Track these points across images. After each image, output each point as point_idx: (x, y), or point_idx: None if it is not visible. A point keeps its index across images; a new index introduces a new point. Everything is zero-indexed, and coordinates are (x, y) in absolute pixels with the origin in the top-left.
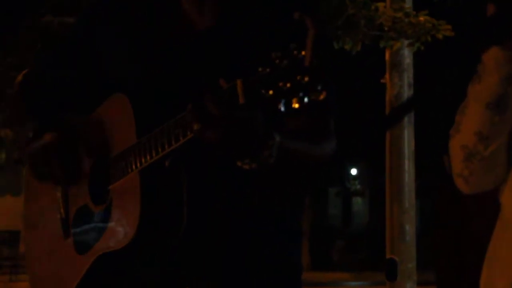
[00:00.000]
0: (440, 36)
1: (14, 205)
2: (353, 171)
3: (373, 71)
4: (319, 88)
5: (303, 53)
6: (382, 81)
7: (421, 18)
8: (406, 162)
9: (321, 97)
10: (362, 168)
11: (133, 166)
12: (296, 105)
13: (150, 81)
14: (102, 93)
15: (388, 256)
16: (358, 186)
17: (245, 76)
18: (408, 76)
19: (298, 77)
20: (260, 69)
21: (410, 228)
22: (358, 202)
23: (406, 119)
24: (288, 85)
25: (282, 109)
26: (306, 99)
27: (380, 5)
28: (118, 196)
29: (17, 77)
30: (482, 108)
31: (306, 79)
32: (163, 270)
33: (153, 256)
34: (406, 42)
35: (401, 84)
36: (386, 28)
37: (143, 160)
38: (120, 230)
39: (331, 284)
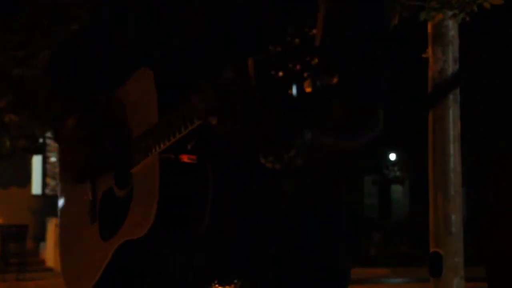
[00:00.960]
0: (487, 5)
1: (19, 198)
2: (392, 156)
3: (414, 45)
4: (330, 71)
5: (314, 31)
6: (424, 56)
7: None
8: (451, 145)
9: (334, 81)
10: (402, 152)
11: (153, 149)
12: (309, 89)
13: (171, 62)
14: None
15: (432, 249)
16: (398, 173)
17: (255, 55)
18: (453, 50)
19: (308, 58)
20: (271, 47)
21: (456, 218)
22: (397, 191)
23: (451, 97)
24: (298, 66)
25: (294, 93)
26: (318, 83)
27: None
28: (139, 180)
29: (22, 57)
30: None
31: (316, 60)
32: (186, 263)
33: (176, 248)
34: (449, 13)
35: (445, 59)
36: None
37: (161, 143)
38: (138, 218)
39: (369, 281)
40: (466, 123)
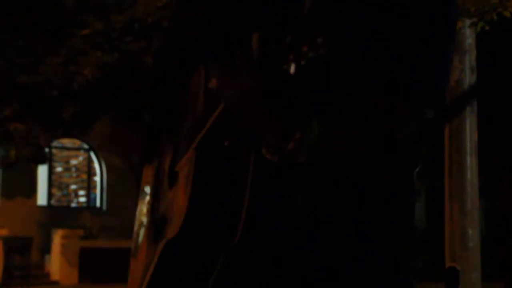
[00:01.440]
0: (507, 14)
1: (24, 209)
2: None
3: None
4: (318, 40)
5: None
6: None
7: None
8: (468, 157)
9: (324, 51)
10: None
11: (191, 143)
12: (303, 62)
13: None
14: None
15: (448, 264)
16: None
17: (260, 29)
18: (470, 59)
19: (297, 28)
20: (273, 23)
21: (473, 233)
22: None
23: (468, 108)
24: (289, 38)
25: (292, 70)
26: (310, 54)
27: None
28: (180, 178)
29: (28, 63)
30: None
31: (304, 29)
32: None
33: (211, 252)
34: (468, 21)
35: (462, 68)
36: None
37: (197, 135)
38: (174, 217)
39: None
40: (484, 132)
